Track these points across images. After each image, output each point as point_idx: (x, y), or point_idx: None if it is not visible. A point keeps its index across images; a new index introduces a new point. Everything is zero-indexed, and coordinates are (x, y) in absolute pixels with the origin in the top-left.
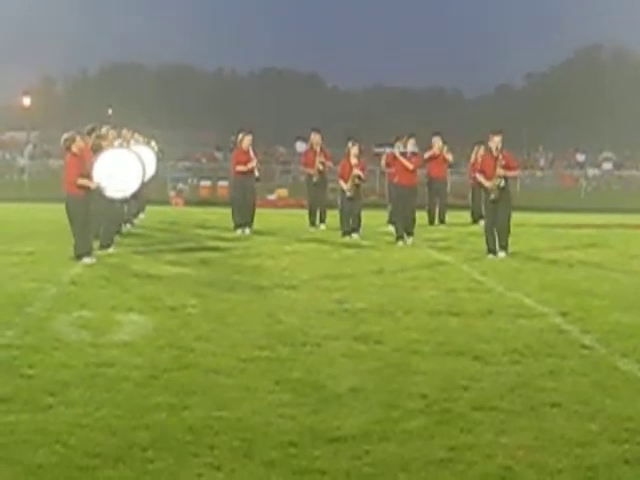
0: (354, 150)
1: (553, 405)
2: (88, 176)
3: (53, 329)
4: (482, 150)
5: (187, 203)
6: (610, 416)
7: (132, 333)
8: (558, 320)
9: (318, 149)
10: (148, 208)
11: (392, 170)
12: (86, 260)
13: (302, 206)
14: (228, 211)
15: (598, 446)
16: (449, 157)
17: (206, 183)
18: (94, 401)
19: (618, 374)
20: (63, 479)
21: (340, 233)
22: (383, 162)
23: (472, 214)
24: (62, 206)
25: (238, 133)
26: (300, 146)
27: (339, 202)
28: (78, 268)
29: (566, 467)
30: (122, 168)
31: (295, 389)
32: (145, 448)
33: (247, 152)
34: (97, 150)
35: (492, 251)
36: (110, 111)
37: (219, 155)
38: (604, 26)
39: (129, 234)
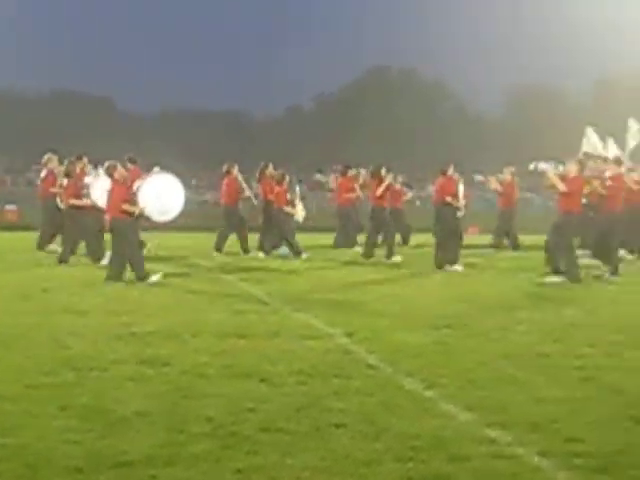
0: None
1: (339, 425)
2: (132, 201)
3: None
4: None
5: None
6: (395, 435)
7: None
8: (344, 340)
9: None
10: None
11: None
12: (153, 279)
13: None
14: (17, 235)
15: (383, 465)
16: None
17: None
18: None
19: (403, 393)
20: None
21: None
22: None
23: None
24: None
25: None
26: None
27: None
28: None
29: None
30: (169, 192)
31: (81, 414)
32: None
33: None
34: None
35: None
36: None
37: (8, 178)
38: (393, 47)
39: None
